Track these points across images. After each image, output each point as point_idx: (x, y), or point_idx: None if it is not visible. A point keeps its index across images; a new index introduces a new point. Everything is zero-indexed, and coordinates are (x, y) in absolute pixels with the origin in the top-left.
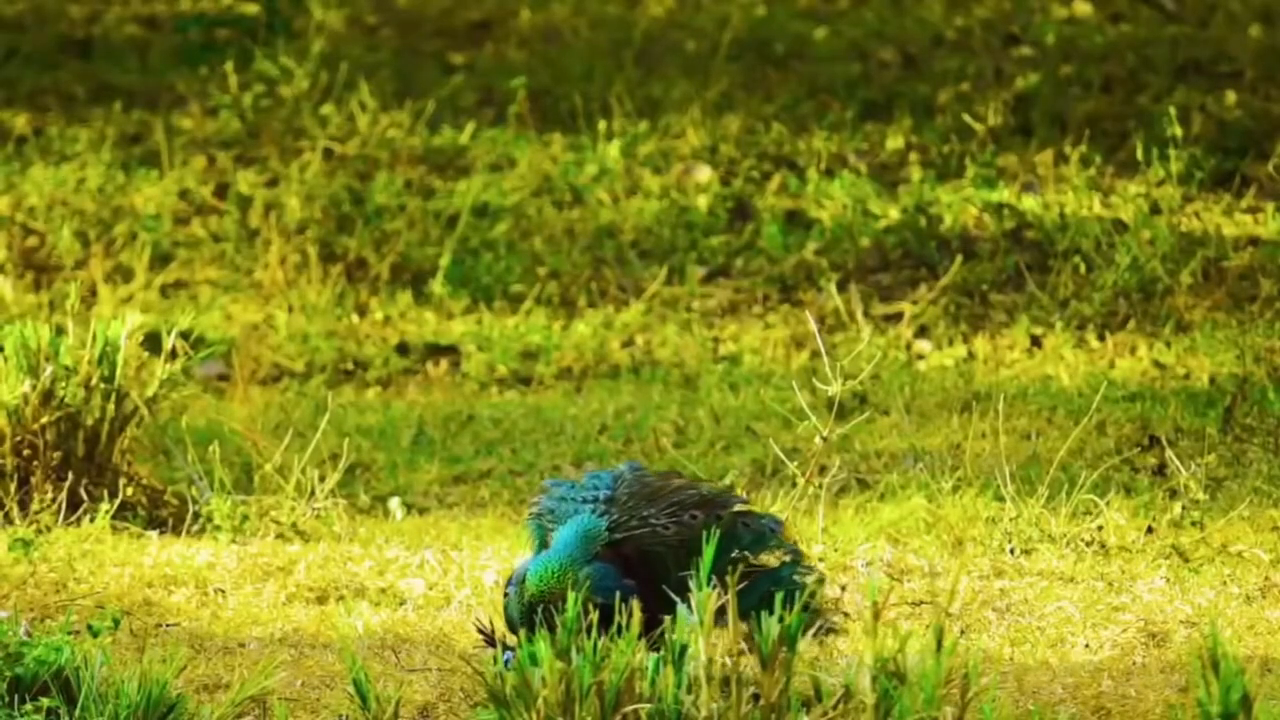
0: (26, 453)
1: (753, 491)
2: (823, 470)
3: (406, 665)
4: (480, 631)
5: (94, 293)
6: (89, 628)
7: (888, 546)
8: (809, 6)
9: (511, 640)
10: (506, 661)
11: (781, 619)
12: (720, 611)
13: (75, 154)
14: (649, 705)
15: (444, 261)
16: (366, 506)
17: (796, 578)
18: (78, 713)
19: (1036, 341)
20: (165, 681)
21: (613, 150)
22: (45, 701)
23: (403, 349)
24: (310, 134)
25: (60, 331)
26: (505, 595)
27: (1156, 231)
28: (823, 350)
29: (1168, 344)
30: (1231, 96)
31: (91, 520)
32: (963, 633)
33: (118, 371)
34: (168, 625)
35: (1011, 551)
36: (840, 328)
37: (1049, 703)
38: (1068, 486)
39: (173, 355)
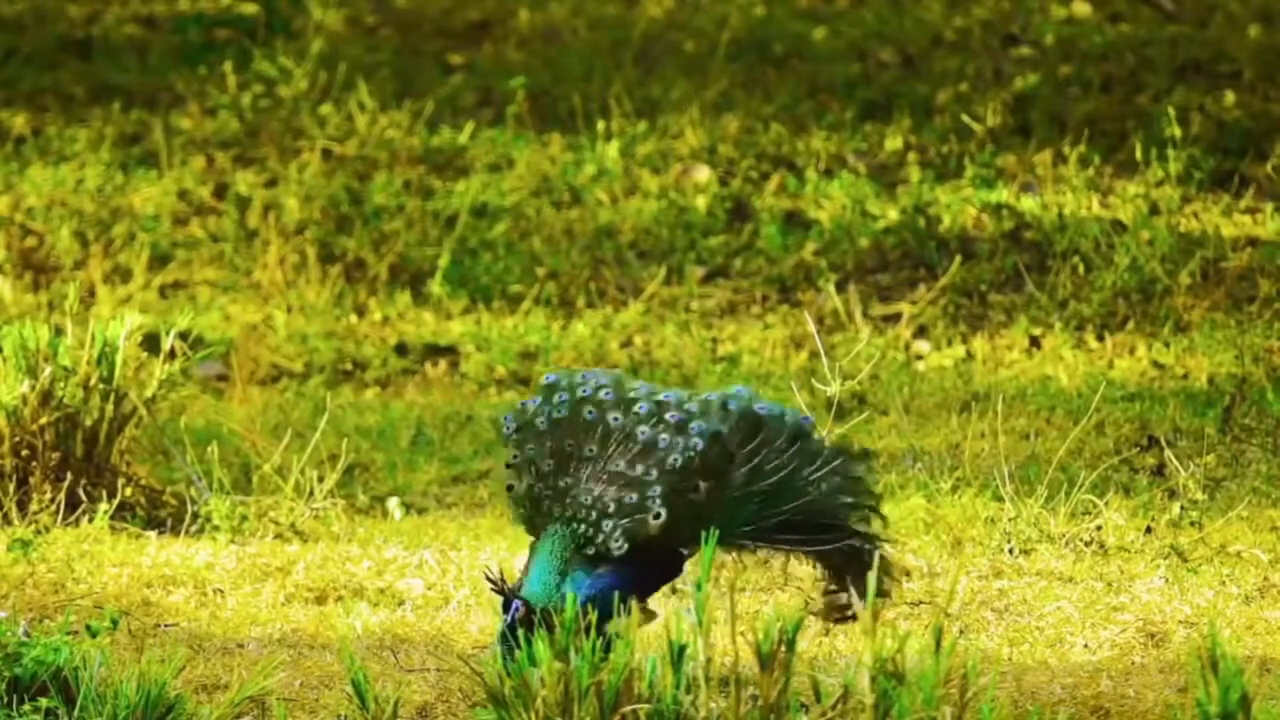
0: (25, 453)
1: None
2: None
3: (405, 665)
4: (489, 580)
5: (93, 293)
6: (88, 628)
7: (887, 546)
8: (809, 6)
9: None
10: (515, 611)
11: (780, 619)
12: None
13: (74, 154)
14: (648, 705)
15: (443, 262)
16: (365, 507)
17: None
18: (76, 713)
19: (1036, 342)
20: (164, 682)
21: (611, 150)
22: (44, 702)
23: (401, 349)
24: (309, 134)
25: (59, 332)
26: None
27: (1155, 232)
28: (821, 351)
29: (1167, 344)
30: (1231, 96)
31: (90, 520)
32: (962, 633)
33: (116, 372)
34: (166, 625)
35: (1010, 551)
36: (839, 328)
37: (1048, 703)
38: (1067, 486)
39: (171, 355)
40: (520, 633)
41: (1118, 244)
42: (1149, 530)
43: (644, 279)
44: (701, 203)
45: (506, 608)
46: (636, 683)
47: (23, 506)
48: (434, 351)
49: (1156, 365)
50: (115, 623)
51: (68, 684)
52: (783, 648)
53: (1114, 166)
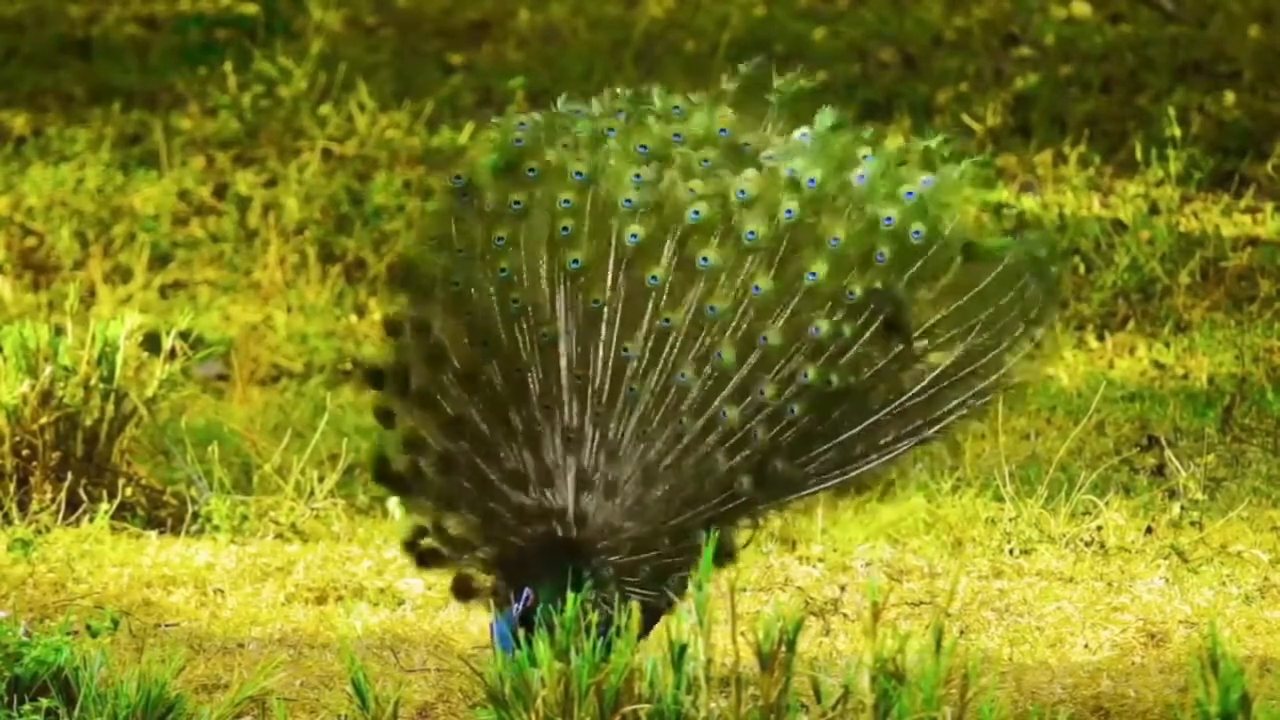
0: (26, 453)
1: None
2: None
3: (405, 665)
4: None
5: (93, 293)
6: (88, 628)
7: (887, 547)
8: (809, 6)
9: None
10: (525, 600)
11: (780, 619)
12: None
13: (75, 154)
14: (648, 705)
15: None
16: (365, 506)
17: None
18: (77, 713)
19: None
20: (164, 682)
21: None
22: (45, 702)
23: None
24: (309, 134)
25: (59, 331)
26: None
27: (1156, 231)
28: None
29: (1167, 344)
30: (1231, 96)
31: (91, 520)
32: (962, 633)
33: (117, 372)
34: (167, 625)
35: (1011, 552)
36: None
37: (1048, 703)
38: (1067, 486)
39: (172, 355)
40: (520, 632)
41: (1118, 244)
42: (1149, 530)
43: None
44: None
45: (518, 595)
46: (637, 683)
47: (23, 506)
48: None
49: (1157, 365)
50: (116, 623)
51: (68, 684)
52: (783, 648)
53: (1114, 166)
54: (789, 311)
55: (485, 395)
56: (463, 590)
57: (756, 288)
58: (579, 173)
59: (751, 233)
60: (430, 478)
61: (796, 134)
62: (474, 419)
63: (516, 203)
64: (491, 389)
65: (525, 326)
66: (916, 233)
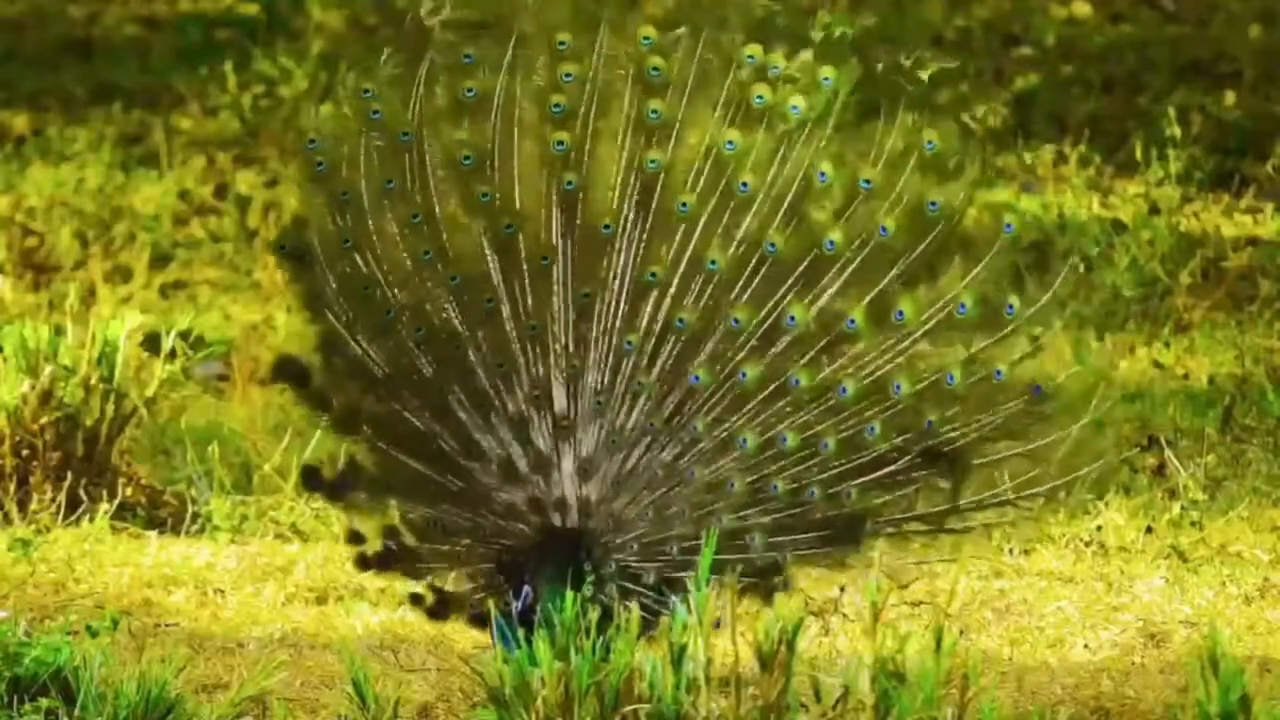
0: (26, 453)
1: None
2: None
3: (406, 665)
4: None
5: (93, 293)
6: (88, 628)
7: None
8: (809, 6)
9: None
10: (525, 598)
11: (780, 619)
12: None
13: (75, 154)
14: (648, 705)
15: None
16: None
17: None
18: (77, 713)
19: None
20: (165, 681)
21: None
22: (44, 702)
23: None
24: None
25: (60, 331)
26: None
27: (1156, 232)
28: None
29: (1167, 344)
30: (1231, 96)
31: (91, 520)
32: (962, 633)
33: (117, 372)
34: (167, 625)
35: (1011, 552)
36: None
37: (1048, 703)
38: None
39: (172, 355)
40: (519, 632)
41: (1118, 244)
42: (1149, 530)
43: None
44: None
45: (518, 593)
46: (637, 683)
47: (23, 506)
48: None
49: (1157, 365)
50: (116, 622)
51: (68, 684)
52: (783, 648)
53: (1114, 166)
54: (821, 366)
55: (452, 406)
56: (479, 621)
57: (792, 318)
58: (466, 158)
59: (772, 245)
60: (408, 539)
61: (821, 79)
62: (442, 435)
63: (415, 216)
64: (462, 396)
65: (501, 324)
66: (999, 372)
